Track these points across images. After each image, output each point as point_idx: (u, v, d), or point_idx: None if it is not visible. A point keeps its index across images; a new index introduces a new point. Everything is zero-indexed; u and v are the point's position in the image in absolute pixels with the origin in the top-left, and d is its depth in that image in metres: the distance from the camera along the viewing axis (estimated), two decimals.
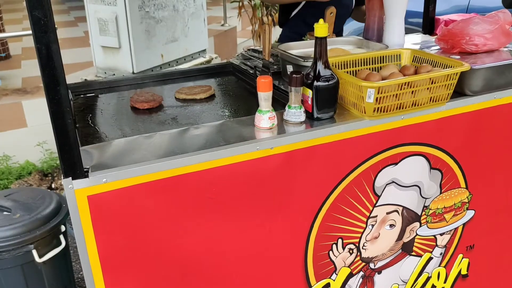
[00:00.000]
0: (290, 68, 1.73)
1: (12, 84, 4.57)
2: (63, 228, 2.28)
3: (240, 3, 6.06)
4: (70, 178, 1.15)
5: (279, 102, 1.68)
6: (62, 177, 1.16)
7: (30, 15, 1.02)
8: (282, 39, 2.55)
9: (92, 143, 1.41)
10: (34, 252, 2.13)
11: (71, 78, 4.46)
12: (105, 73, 3.76)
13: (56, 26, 1.17)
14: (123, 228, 1.25)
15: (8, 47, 5.48)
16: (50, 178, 3.86)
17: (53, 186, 3.75)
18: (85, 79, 3.80)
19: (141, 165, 1.22)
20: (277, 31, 2.92)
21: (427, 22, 2.38)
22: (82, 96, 1.93)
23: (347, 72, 1.60)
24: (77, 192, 1.17)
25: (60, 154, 1.13)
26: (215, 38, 5.87)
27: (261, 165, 1.36)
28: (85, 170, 1.18)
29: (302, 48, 1.85)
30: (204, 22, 4.35)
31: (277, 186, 1.41)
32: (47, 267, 2.24)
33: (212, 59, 4.43)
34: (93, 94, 1.96)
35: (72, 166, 1.15)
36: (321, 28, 1.37)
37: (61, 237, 2.27)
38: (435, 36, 1.91)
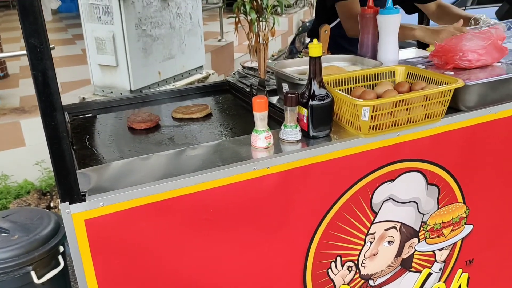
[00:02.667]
0: (285, 86, 1.74)
1: (10, 103, 4.57)
2: (61, 248, 2.28)
3: (237, 19, 6.10)
4: (67, 202, 1.15)
5: (275, 120, 1.69)
6: (59, 202, 1.16)
7: (26, 43, 1.03)
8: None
9: (89, 165, 1.42)
10: (33, 273, 2.11)
11: (69, 96, 4.47)
12: (103, 91, 3.78)
13: (53, 45, 1.18)
14: (120, 251, 1.25)
15: (6, 66, 5.50)
16: (48, 197, 3.85)
17: (51, 205, 3.74)
18: (83, 98, 3.82)
19: (138, 187, 1.22)
20: (272, 46, 2.92)
21: None
22: (79, 117, 1.94)
23: (342, 89, 1.61)
24: (74, 217, 1.17)
25: (57, 179, 1.14)
26: (212, 53, 5.91)
27: (258, 185, 1.36)
28: (82, 194, 1.18)
29: (297, 66, 1.87)
30: (200, 39, 4.39)
31: (274, 205, 1.41)
32: None
33: (210, 75, 4.46)
34: (90, 115, 1.97)
35: (69, 191, 1.15)
36: (315, 48, 1.38)
37: (60, 257, 2.26)
38: (430, 51, 1.93)
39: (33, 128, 4.04)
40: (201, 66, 4.46)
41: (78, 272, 1.23)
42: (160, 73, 3.89)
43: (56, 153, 1.11)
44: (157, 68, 3.86)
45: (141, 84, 3.71)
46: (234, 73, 2.25)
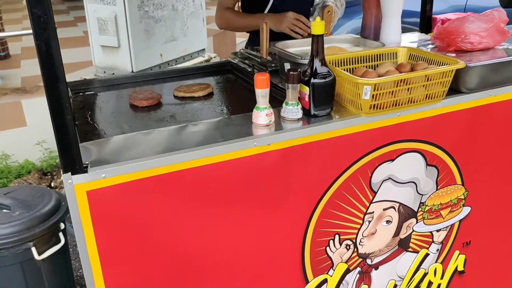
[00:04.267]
0: (287, 66, 1.74)
1: (11, 84, 4.57)
2: (62, 225, 2.30)
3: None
4: (70, 173, 1.17)
5: (277, 100, 1.70)
6: (61, 173, 1.18)
7: (30, 13, 1.03)
8: (250, 43, 2.55)
9: (91, 140, 1.43)
10: (33, 249, 2.14)
11: (71, 77, 4.44)
12: (104, 72, 3.77)
13: (55, 26, 1.19)
14: (122, 223, 1.27)
15: (8, 46, 5.48)
16: (49, 177, 3.87)
17: (52, 185, 3.76)
18: (84, 78, 3.81)
19: (139, 160, 1.23)
20: None
21: (424, 21, 2.40)
22: (81, 94, 1.95)
23: (344, 69, 1.61)
24: (76, 187, 1.18)
25: (60, 150, 1.15)
26: (214, 37, 5.88)
27: (259, 162, 1.37)
28: (84, 165, 1.19)
29: (300, 46, 1.87)
30: (203, 22, 4.37)
31: (274, 182, 1.42)
32: (46, 265, 2.25)
33: (211, 58, 4.44)
34: (92, 92, 1.97)
35: (72, 162, 1.16)
36: (318, 26, 1.38)
37: (60, 234, 2.28)
38: (432, 34, 1.93)
39: (34, 108, 4.04)
40: (203, 49, 4.44)
41: (80, 243, 1.24)
42: (162, 55, 3.87)
43: (59, 124, 1.12)
44: (159, 50, 3.85)
45: (143, 65, 3.69)
46: (235, 53, 2.24)
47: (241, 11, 2.55)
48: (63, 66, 1.09)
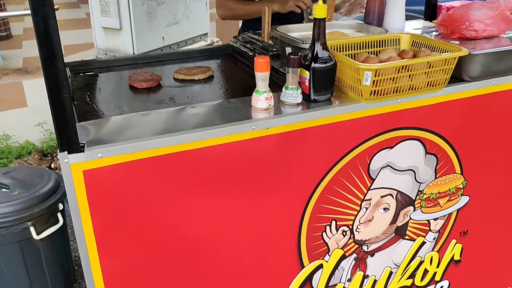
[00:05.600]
0: (288, 50, 1.73)
1: (13, 64, 4.57)
2: (61, 206, 2.30)
3: None
4: (66, 152, 1.16)
5: (277, 84, 1.68)
6: (58, 152, 1.17)
7: None
8: (244, 29, 2.52)
9: (89, 120, 1.42)
10: (32, 229, 2.15)
11: (72, 58, 4.43)
12: (106, 54, 3.75)
13: (57, 6, 1.17)
14: (118, 204, 1.26)
15: (10, 27, 5.46)
16: (49, 158, 3.87)
17: (52, 166, 3.77)
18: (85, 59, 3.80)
19: (137, 141, 1.23)
20: None
21: (429, 8, 2.37)
22: (81, 74, 1.94)
23: (346, 55, 1.60)
24: (72, 167, 1.17)
25: (56, 128, 1.14)
26: (217, 22, 5.84)
27: (257, 145, 1.37)
28: (81, 145, 1.19)
29: (302, 31, 1.85)
30: (206, 6, 4.33)
31: (273, 166, 1.42)
32: (44, 244, 2.26)
33: (214, 42, 4.41)
34: (92, 73, 1.96)
35: (68, 141, 1.16)
36: (320, 9, 1.37)
37: (59, 215, 2.29)
38: (436, 21, 1.90)
39: (35, 89, 4.04)
40: (206, 34, 4.41)
41: (76, 223, 1.24)
42: (164, 38, 3.85)
43: (56, 103, 1.11)
44: (161, 33, 3.82)
45: (145, 48, 3.67)
46: (236, 37, 2.23)
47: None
48: (60, 44, 1.08)
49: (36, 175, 2.38)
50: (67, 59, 1.10)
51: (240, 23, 2.72)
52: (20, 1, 7.05)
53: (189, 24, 4.10)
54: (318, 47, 1.40)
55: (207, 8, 4.39)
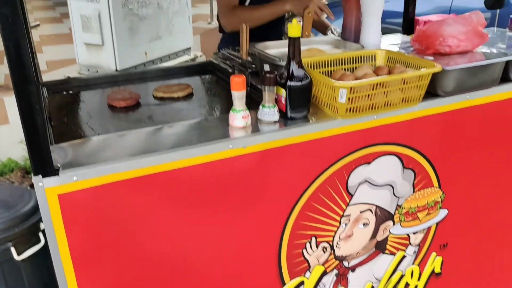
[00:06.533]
0: (266, 67, 1.74)
1: None
2: (42, 226, 2.27)
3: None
4: (40, 176, 1.15)
5: (256, 101, 1.69)
6: (32, 175, 1.16)
7: None
8: (223, 44, 2.50)
9: (66, 141, 1.41)
10: (13, 249, 2.11)
11: (54, 75, 4.42)
12: (88, 70, 3.75)
13: (38, 22, 1.17)
14: (94, 227, 1.25)
15: None
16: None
17: None
18: (68, 76, 3.79)
19: (112, 163, 1.22)
20: None
21: (407, 23, 2.41)
22: (60, 93, 1.93)
23: (322, 72, 1.61)
24: (47, 191, 1.17)
25: (30, 152, 1.13)
26: (201, 35, 5.87)
27: (234, 164, 1.37)
28: (56, 168, 1.18)
29: (279, 48, 1.86)
30: (188, 20, 4.36)
31: (251, 184, 1.42)
32: (26, 265, 2.22)
33: (197, 57, 4.43)
34: (71, 92, 1.95)
35: (42, 164, 1.15)
36: (294, 28, 1.38)
37: (40, 234, 2.26)
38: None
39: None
40: (189, 48, 4.43)
41: (52, 247, 1.23)
42: (147, 53, 3.86)
43: (29, 126, 1.11)
44: (144, 48, 3.83)
45: (127, 64, 3.68)
46: (216, 53, 2.23)
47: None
48: (33, 67, 1.08)
49: (16, 195, 2.35)
50: (50, 75, 1.11)
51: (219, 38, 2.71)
52: None
53: (172, 38, 4.12)
54: (293, 66, 1.41)
55: (190, 23, 4.42)
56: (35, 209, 2.28)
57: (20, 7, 1.03)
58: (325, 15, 2.22)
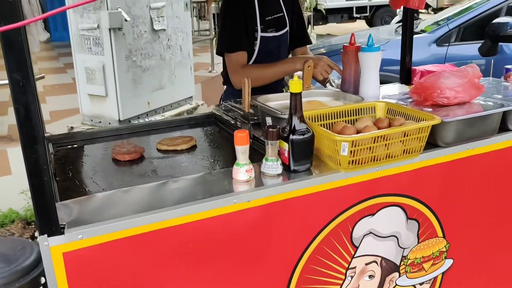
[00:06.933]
0: (268, 120, 1.77)
1: None
2: (43, 280, 2.25)
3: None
4: (46, 235, 1.16)
5: (259, 153, 1.71)
6: (38, 234, 1.17)
7: (9, 77, 1.05)
8: (227, 96, 2.55)
9: (71, 197, 1.42)
10: None
11: (58, 125, 4.47)
12: (92, 120, 3.80)
13: (42, 74, 1.20)
14: (98, 284, 1.25)
15: None
16: (33, 226, 3.80)
17: (36, 234, 3.69)
18: (71, 127, 3.83)
19: (117, 220, 1.23)
20: None
21: (404, 72, 2.47)
22: (64, 147, 1.95)
23: (324, 124, 1.64)
24: (52, 249, 1.17)
25: (36, 212, 1.14)
26: (202, 84, 5.97)
27: (239, 218, 1.37)
28: (61, 226, 1.18)
29: (281, 100, 1.90)
30: (190, 70, 4.45)
31: (255, 239, 1.42)
32: None
33: (198, 105, 4.50)
34: (76, 146, 1.98)
35: (48, 223, 1.16)
36: (295, 84, 1.42)
37: None
38: (411, 87, 1.98)
39: (20, 156, 4.01)
40: (191, 97, 4.50)
41: None
42: (149, 103, 3.92)
43: (36, 186, 1.12)
44: (147, 98, 3.89)
45: (130, 114, 3.73)
46: (219, 105, 2.28)
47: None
48: (41, 129, 1.11)
49: (17, 248, 2.34)
50: (53, 125, 1.13)
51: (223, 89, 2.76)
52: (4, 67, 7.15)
53: (174, 88, 4.19)
54: (295, 120, 1.44)
55: (192, 72, 4.51)
56: (37, 262, 2.26)
57: (31, 72, 1.06)
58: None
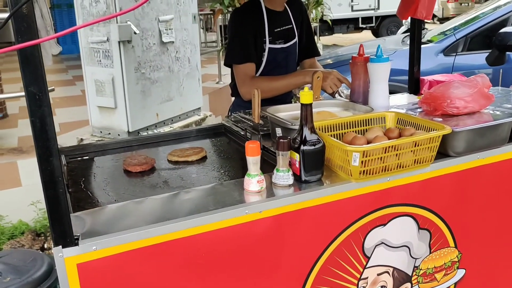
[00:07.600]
0: (279, 131, 1.78)
1: (8, 143, 4.61)
2: None
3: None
4: (60, 246, 1.17)
5: (269, 164, 1.72)
6: (52, 245, 1.18)
7: (25, 90, 1.07)
8: (235, 107, 2.56)
9: (84, 208, 1.44)
10: None
11: (67, 136, 4.51)
12: (101, 132, 3.82)
13: (53, 87, 1.22)
14: None
15: (6, 106, 5.57)
16: (43, 238, 3.82)
17: (45, 246, 3.71)
18: (81, 138, 3.86)
19: (130, 231, 1.23)
20: None
21: (412, 82, 2.48)
22: (75, 159, 1.97)
23: (334, 134, 1.65)
24: (67, 261, 1.18)
25: (51, 223, 1.15)
26: (210, 95, 6.00)
27: (250, 229, 1.38)
28: (75, 237, 1.19)
29: (290, 111, 1.91)
30: (199, 82, 4.47)
31: (267, 249, 1.42)
32: None
33: (207, 116, 4.52)
34: (87, 157, 1.99)
35: (63, 235, 1.17)
36: (306, 95, 1.43)
37: None
38: (420, 97, 1.98)
39: (30, 168, 4.05)
40: (199, 108, 4.53)
41: None
42: (158, 114, 3.94)
43: (51, 198, 1.14)
44: (155, 110, 3.92)
45: (139, 125, 3.75)
46: (228, 116, 2.29)
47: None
48: (56, 141, 1.12)
49: (29, 260, 2.36)
50: (63, 137, 1.14)
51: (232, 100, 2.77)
52: (17, 80, 7.24)
53: (182, 100, 4.22)
54: (306, 131, 1.45)
55: (200, 84, 4.53)
56: (48, 273, 2.27)
57: (46, 86, 1.08)
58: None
